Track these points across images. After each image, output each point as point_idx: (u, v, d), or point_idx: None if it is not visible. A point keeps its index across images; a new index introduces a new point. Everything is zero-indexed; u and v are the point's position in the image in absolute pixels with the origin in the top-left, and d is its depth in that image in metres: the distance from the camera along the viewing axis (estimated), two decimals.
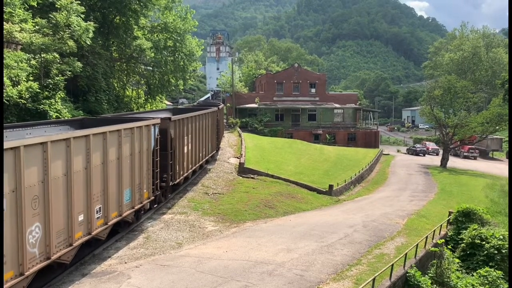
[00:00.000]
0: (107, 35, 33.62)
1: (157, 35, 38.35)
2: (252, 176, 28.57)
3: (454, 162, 50.64)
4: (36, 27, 22.85)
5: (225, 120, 52.12)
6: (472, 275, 15.95)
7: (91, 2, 31.18)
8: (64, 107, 22.75)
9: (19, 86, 19.63)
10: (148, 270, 11.76)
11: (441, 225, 19.21)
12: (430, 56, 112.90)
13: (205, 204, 20.45)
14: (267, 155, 37.46)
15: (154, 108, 39.55)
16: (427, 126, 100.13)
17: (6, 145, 8.25)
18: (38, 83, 20.74)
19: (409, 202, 27.50)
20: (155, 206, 17.88)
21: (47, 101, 21.17)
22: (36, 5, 24.39)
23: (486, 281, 15.14)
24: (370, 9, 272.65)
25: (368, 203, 26.93)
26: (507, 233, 17.63)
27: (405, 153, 62.10)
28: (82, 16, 24.87)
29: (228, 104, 64.70)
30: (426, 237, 16.58)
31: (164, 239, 14.93)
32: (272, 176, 29.26)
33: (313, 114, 63.67)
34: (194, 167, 23.07)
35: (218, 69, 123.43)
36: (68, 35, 23.33)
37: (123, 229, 14.93)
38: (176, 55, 39.14)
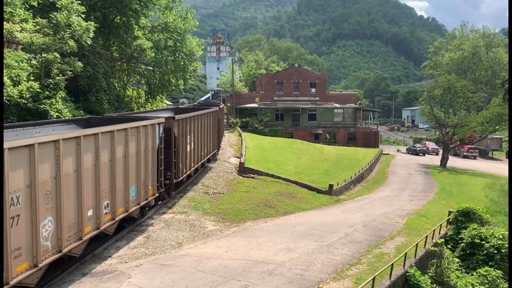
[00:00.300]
0: (108, 35, 33.65)
1: (157, 35, 38.39)
2: (252, 175, 28.60)
3: (454, 161, 50.65)
4: (37, 27, 22.89)
5: (225, 120, 52.15)
6: (472, 275, 15.99)
7: (92, 2, 31.22)
8: (65, 106, 22.80)
9: (19, 86, 19.66)
10: (149, 270, 11.79)
11: (441, 225, 19.24)
12: (430, 56, 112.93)
13: (206, 203, 20.48)
14: (267, 155, 37.50)
15: (154, 108, 39.59)
16: (427, 126, 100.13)
17: (22, 142, 8.68)
18: (38, 83, 20.77)
19: (409, 202, 27.52)
20: (159, 203, 18.26)
21: (48, 101, 21.20)
22: (36, 5, 24.43)
23: (485, 281, 15.17)
24: (370, 9, 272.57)
25: (368, 202, 26.96)
26: (507, 232, 17.66)
27: (405, 153, 62.09)
28: (83, 16, 24.92)
29: (229, 104, 64.74)
30: (426, 236, 16.60)
31: (164, 239, 14.96)
32: (272, 176, 29.30)
33: (313, 114, 63.69)
34: (196, 166, 23.39)
35: (218, 69, 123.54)
36: (68, 35, 23.37)
37: (129, 225, 15.25)
38: (177, 55, 39.20)
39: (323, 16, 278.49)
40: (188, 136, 20.99)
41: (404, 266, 13.57)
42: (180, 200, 20.38)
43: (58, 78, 22.20)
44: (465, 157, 59.36)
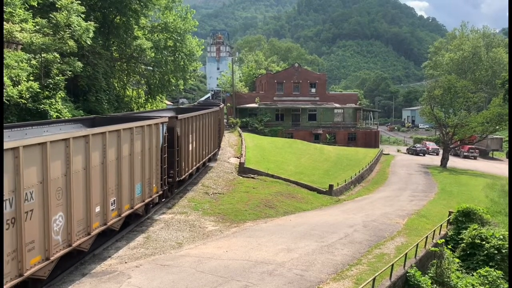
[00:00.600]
0: (108, 35, 33.64)
1: (157, 35, 38.38)
2: (252, 176, 28.59)
3: (454, 162, 50.63)
4: (37, 27, 22.87)
5: (225, 120, 52.15)
6: (472, 275, 15.96)
7: (92, 2, 31.21)
8: (65, 106, 22.79)
9: (19, 86, 19.64)
10: (148, 270, 11.77)
11: (441, 225, 19.21)
12: (430, 56, 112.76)
13: (205, 204, 20.47)
14: (267, 155, 37.48)
15: (154, 108, 39.60)
16: (427, 126, 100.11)
17: (34, 141, 9.07)
18: (38, 83, 20.76)
19: (409, 202, 27.50)
20: (163, 200, 18.57)
21: (48, 101, 21.21)
22: (36, 5, 24.41)
23: (486, 281, 15.15)
24: (370, 9, 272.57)
25: (368, 203, 26.94)
26: (507, 233, 17.64)
27: (405, 153, 62.06)
28: (83, 16, 24.92)
29: (229, 104, 64.75)
30: (426, 237, 16.58)
31: (164, 239, 14.94)
32: (272, 176, 29.28)
33: (313, 114, 63.67)
34: (197, 164, 23.71)
35: (218, 69, 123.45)
36: (68, 35, 23.35)
37: (134, 221, 15.50)
38: (177, 55, 39.18)
39: (323, 16, 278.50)
40: (190, 136, 21.24)
41: (404, 266, 13.55)
42: (180, 200, 20.37)
43: (58, 78, 22.20)
44: (465, 157, 59.34)
